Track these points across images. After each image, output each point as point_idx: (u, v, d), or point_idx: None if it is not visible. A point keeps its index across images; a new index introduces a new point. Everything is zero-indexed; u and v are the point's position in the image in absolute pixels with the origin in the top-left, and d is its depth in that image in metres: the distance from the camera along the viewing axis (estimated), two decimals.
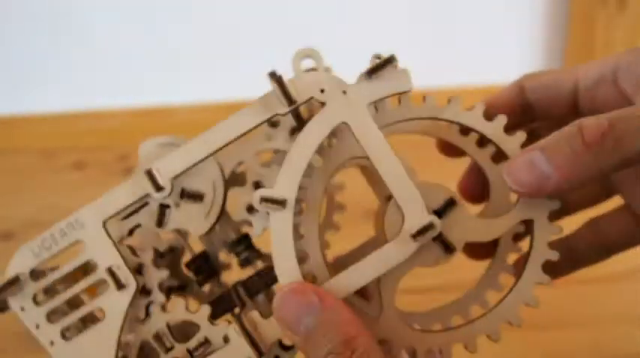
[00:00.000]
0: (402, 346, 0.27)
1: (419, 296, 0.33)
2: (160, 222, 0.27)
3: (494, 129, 0.28)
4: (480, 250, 0.31)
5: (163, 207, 0.27)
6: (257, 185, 0.29)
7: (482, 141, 0.29)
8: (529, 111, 0.30)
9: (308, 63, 0.28)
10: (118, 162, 0.78)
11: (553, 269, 0.28)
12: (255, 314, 0.25)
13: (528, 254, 0.28)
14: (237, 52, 0.80)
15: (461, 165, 0.32)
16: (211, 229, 0.27)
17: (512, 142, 0.28)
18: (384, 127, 0.27)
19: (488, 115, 0.28)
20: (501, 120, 0.28)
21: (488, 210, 0.29)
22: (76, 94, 0.82)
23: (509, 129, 0.28)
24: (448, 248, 0.26)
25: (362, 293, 0.28)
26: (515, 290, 0.27)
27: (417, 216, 0.25)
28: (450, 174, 0.33)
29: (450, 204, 0.26)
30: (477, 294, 0.31)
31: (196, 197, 0.27)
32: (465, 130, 0.29)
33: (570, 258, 0.31)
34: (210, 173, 0.27)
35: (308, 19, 0.79)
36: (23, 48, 0.79)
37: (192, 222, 0.27)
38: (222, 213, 0.27)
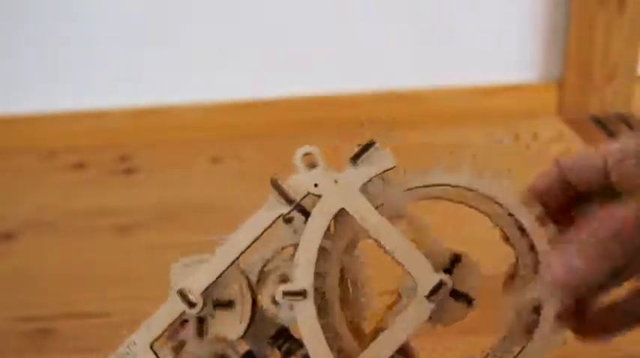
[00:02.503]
0: None
1: None
2: (200, 332, 0.30)
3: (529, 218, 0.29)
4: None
5: (200, 320, 0.29)
6: (282, 278, 0.31)
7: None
8: (569, 188, 0.32)
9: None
10: (118, 162, 0.79)
11: (608, 330, 0.31)
12: None
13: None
14: (238, 52, 0.80)
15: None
16: (248, 330, 0.30)
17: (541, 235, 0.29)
18: (419, 189, 0.29)
19: (530, 199, 0.30)
20: (537, 210, 0.29)
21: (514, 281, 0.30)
22: (76, 94, 0.82)
23: (553, 209, 0.30)
24: (468, 299, 0.28)
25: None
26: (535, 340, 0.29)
27: (426, 278, 0.27)
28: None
29: (456, 260, 0.28)
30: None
31: (227, 305, 0.30)
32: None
33: (624, 320, 0.32)
34: (234, 280, 0.30)
35: (308, 19, 0.79)
36: (23, 48, 0.79)
37: (228, 328, 0.30)
38: (255, 313, 0.30)
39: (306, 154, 0.29)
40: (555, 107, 0.84)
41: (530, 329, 0.30)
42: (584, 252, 0.26)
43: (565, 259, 0.27)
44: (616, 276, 0.29)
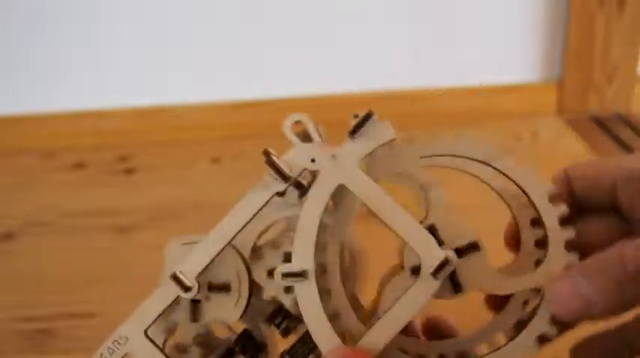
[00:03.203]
0: None
1: None
2: (195, 317, 0.29)
3: (541, 195, 0.28)
4: (496, 303, 0.32)
5: (195, 303, 0.28)
6: (275, 245, 0.30)
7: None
8: (575, 201, 0.31)
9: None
10: (118, 162, 0.78)
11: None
12: None
13: (529, 318, 0.28)
14: (238, 53, 0.80)
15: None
16: (245, 311, 0.29)
17: (552, 215, 0.28)
18: (427, 158, 0.28)
19: (555, 196, 0.29)
20: (549, 188, 0.28)
21: (512, 267, 0.29)
22: (76, 94, 0.82)
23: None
24: (457, 287, 0.27)
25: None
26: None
27: (432, 254, 0.26)
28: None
29: (473, 247, 0.27)
30: (470, 341, 0.31)
31: (223, 288, 0.29)
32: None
33: (629, 349, 0.31)
34: (231, 262, 0.29)
35: (308, 19, 0.79)
36: (23, 48, 0.79)
37: (224, 312, 0.29)
38: (252, 293, 0.29)
39: (296, 123, 0.28)
40: (555, 107, 0.84)
41: (520, 321, 0.29)
42: (597, 281, 0.25)
43: (573, 284, 0.25)
44: (624, 310, 0.28)
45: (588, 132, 0.80)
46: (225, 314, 0.29)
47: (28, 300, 0.57)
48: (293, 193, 0.29)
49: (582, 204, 0.30)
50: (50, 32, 0.78)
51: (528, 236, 0.29)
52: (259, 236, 0.31)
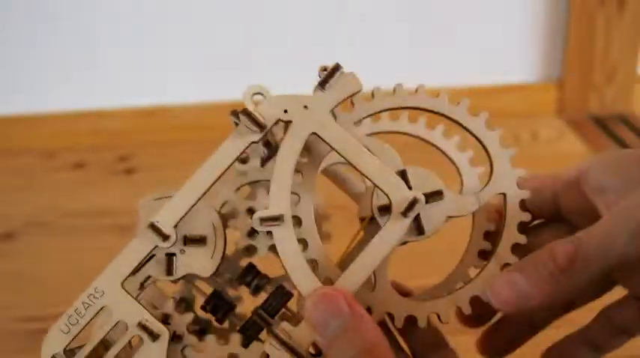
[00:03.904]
0: (402, 315, 0.29)
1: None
2: (169, 270, 0.28)
3: (479, 125, 0.31)
4: (475, 320, 0.34)
5: (170, 256, 0.28)
6: (250, 211, 0.31)
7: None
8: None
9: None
10: (118, 162, 0.79)
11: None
12: (285, 325, 0.27)
13: (499, 236, 0.30)
14: (238, 53, 0.80)
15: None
16: (218, 269, 0.29)
17: (492, 138, 0.31)
18: (371, 115, 0.30)
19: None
20: (483, 116, 0.31)
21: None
22: (76, 94, 0.82)
23: None
24: (420, 230, 0.28)
25: None
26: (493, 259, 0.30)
27: (401, 194, 0.28)
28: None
29: (438, 194, 0.28)
30: (447, 284, 0.32)
31: (199, 241, 0.29)
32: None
33: (595, 348, 0.33)
34: (207, 216, 0.29)
35: (308, 19, 0.79)
36: (23, 48, 0.79)
37: (199, 265, 0.28)
38: (225, 249, 0.29)
39: (256, 94, 0.29)
40: (555, 107, 0.84)
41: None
42: (531, 276, 0.27)
43: (511, 282, 0.27)
44: (563, 300, 0.31)
45: (588, 132, 0.80)
46: (200, 267, 0.28)
47: (28, 300, 0.57)
48: (255, 161, 0.31)
49: (532, 215, 0.31)
50: (50, 32, 0.78)
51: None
52: (224, 204, 0.32)
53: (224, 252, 0.29)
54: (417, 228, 0.28)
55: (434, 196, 0.28)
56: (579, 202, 0.30)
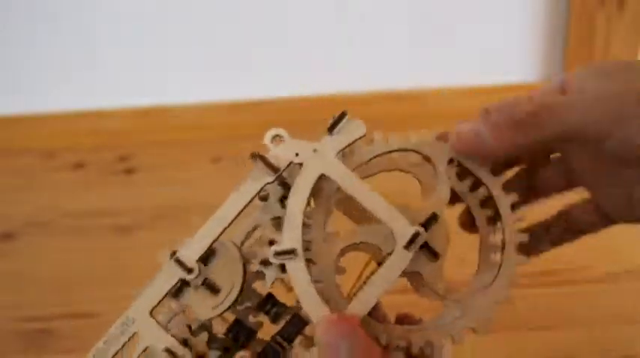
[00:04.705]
0: (401, 342, 0.31)
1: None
2: (177, 294, 0.32)
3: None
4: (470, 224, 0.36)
5: (184, 283, 0.31)
6: (271, 243, 0.33)
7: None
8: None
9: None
10: (118, 162, 0.78)
11: (531, 249, 0.34)
12: (298, 350, 0.31)
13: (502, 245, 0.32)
14: (238, 53, 0.80)
15: None
16: (236, 303, 0.32)
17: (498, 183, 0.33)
18: (363, 165, 0.32)
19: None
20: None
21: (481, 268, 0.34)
22: (76, 94, 0.82)
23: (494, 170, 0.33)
24: (434, 255, 0.31)
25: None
26: (500, 274, 0.32)
27: (404, 230, 0.30)
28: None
29: (434, 218, 0.31)
30: (479, 279, 0.34)
31: (213, 289, 0.31)
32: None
33: (549, 239, 0.36)
34: (233, 274, 0.32)
35: (308, 19, 0.79)
36: (23, 48, 0.79)
37: (200, 306, 0.32)
38: (237, 303, 0.32)
39: (276, 136, 0.32)
40: None
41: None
42: (493, 123, 0.30)
43: (473, 125, 0.30)
44: (516, 158, 0.34)
45: None
46: (201, 310, 0.31)
47: (28, 300, 0.57)
48: (274, 199, 0.33)
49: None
50: (50, 32, 0.78)
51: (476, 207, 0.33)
52: (246, 237, 0.34)
53: (229, 307, 0.32)
54: (432, 254, 0.31)
55: (431, 222, 0.30)
56: None
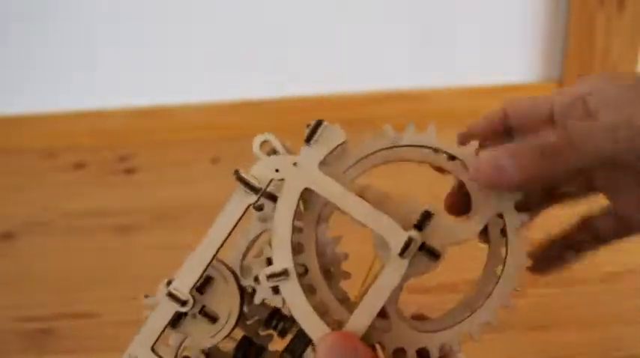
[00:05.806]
0: (414, 349, 0.30)
1: (427, 295, 0.34)
2: (174, 324, 0.31)
3: (466, 150, 0.31)
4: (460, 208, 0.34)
5: (181, 314, 0.31)
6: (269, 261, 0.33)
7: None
8: (510, 133, 0.34)
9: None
10: (118, 162, 0.79)
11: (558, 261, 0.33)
12: None
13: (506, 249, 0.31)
14: (237, 52, 0.80)
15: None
16: (243, 318, 0.32)
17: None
18: (353, 166, 0.31)
19: (464, 138, 0.31)
20: (474, 144, 0.31)
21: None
22: (76, 94, 0.82)
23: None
24: (434, 254, 0.29)
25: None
26: (502, 277, 0.31)
27: (396, 237, 0.29)
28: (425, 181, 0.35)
29: (427, 216, 0.29)
30: (481, 290, 0.32)
31: (211, 318, 0.31)
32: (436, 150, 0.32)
33: (574, 249, 0.35)
34: (230, 303, 0.31)
35: (307, 19, 0.79)
36: (23, 48, 0.79)
37: (198, 335, 0.31)
38: (235, 326, 0.31)
39: (264, 142, 0.31)
40: None
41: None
42: (517, 154, 0.28)
43: (495, 157, 0.28)
44: (545, 190, 0.32)
45: None
46: (199, 339, 0.31)
47: (28, 300, 0.57)
48: (269, 206, 0.32)
49: (516, 135, 0.32)
50: (50, 32, 0.79)
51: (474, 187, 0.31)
52: (246, 252, 0.33)
53: (227, 336, 0.31)
54: (430, 254, 0.29)
55: (425, 221, 0.29)
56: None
